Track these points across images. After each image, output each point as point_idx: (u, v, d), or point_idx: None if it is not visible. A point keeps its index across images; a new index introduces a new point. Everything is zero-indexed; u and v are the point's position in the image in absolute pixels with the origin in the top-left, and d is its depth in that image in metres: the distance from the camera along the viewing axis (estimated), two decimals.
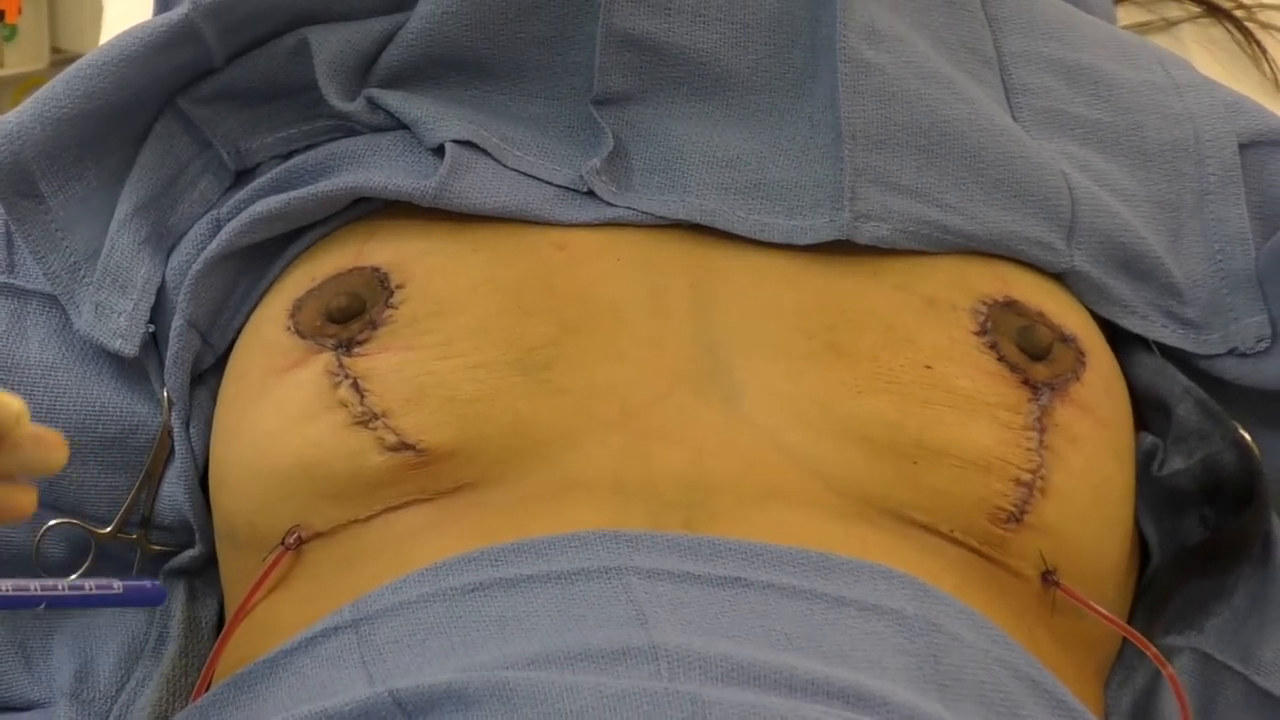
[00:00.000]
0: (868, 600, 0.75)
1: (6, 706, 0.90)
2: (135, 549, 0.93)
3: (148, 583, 0.80)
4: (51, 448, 0.75)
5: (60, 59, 2.59)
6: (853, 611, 0.75)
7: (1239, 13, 1.44)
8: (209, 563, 0.93)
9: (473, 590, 0.76)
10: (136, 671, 0.91)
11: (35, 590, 0.73)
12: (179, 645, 0.91)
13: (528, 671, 0.70)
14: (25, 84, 2.46)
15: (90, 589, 0.75)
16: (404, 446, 0.83)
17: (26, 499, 0.75)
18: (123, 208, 0.95)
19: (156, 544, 0.93)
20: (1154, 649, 0.86)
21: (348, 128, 0.98)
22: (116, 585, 0.76)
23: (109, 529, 0.92)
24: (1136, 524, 0.91)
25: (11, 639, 0.92)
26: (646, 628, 0.72)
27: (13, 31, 2.34)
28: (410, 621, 0.75)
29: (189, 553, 0.93)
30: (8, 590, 0.72)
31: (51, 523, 0.91)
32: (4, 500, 0.75)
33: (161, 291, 0.94)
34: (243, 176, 0.99)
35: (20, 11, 1.84)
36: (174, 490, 0.92)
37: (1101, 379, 0.90)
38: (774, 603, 0.75)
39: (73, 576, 0.78)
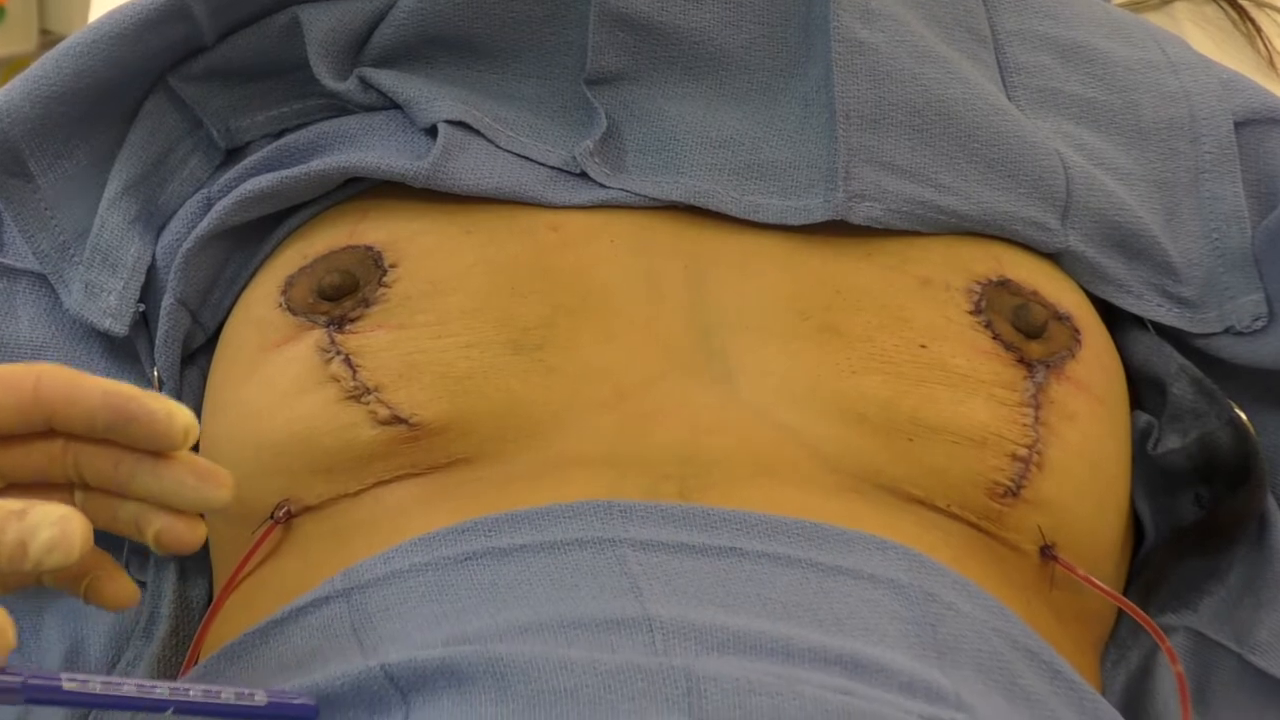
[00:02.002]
0: (863, 569, 0.75)
1: None
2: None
3: (298, 698, 0.71)
4: (212, 481, 0.73)
5: (48, 41, 2.59)
6: (848, 580, 0.75)
7: None
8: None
9: (465, 559, 0.75)
10: (127, 652, 0.90)
11: (163, 694, 0.66)
12: (169, 625, 0.91)
13: (520, 643, 0.70)
14: (13, 65, 2.46)
15: (228, 697, 0.68)
16: (396, 420, 0.83)
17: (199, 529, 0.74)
18: (112, 186, 0.95)
19: None
20: (1152, 622, 0.86)
21: (339, 107, 0.97)
22: (260, 696, 0.69)
23: None
24: (1131, 503, 0.91)
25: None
26: (640, 598, 0.71)
27: (1, 14, 2.34)
28: (402, 590, 0.75)
29: None
30: (132, 692, 0.66)
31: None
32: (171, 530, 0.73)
33: (151, 271, 0.93)
34: (233, 155, 0.98)
35: None
36: None
37: (1097, 357, 0.90)
38: (769, 572, 0.74)
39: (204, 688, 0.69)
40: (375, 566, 0.77)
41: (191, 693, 0.67)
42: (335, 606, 0.76)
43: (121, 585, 0.75)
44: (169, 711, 0.66)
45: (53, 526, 0.66)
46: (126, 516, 0.74)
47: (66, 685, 0.64)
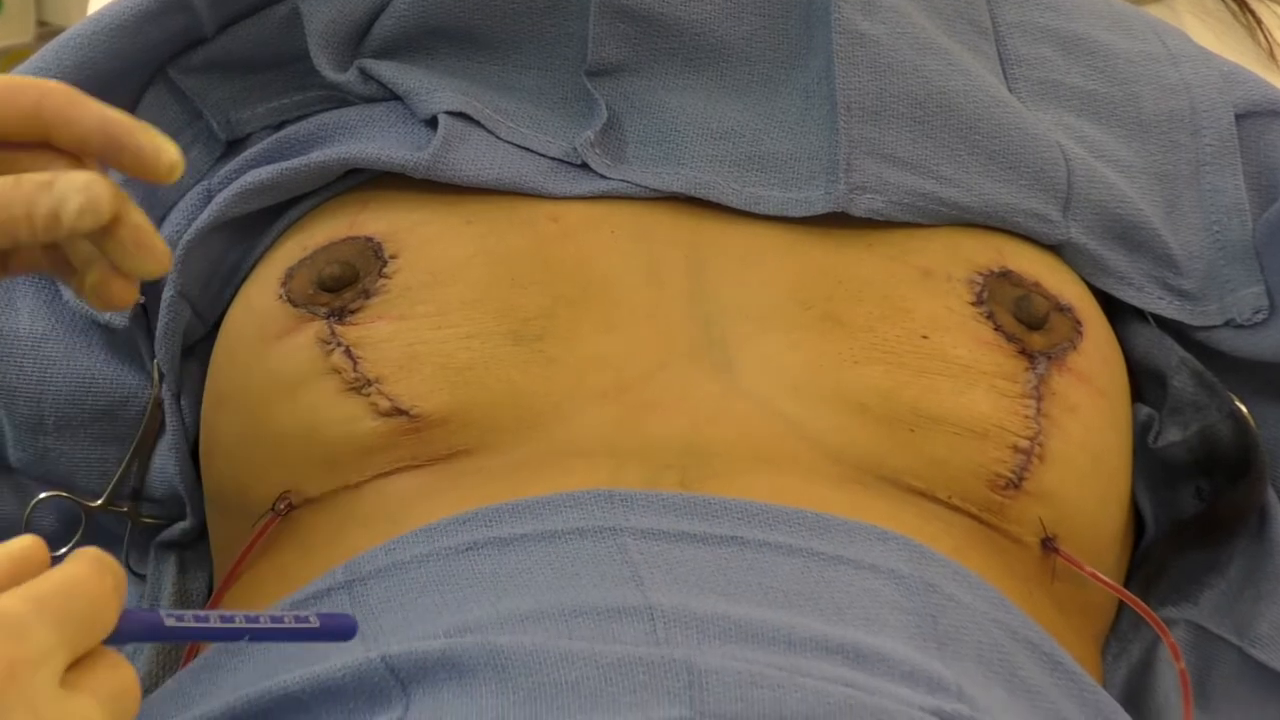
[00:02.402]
0: (865, 560, 0.75)
1: None
2: (126, 521, 0.93)
3: (343, 617, 0.73)
4: (149, 252, 0.73)
5: (46, 32, 2.59)
6: (849, 570, 0.75)
7: None
8: (200, 536, 0.93)
9: (467, 549, 0.75)
10: (127, 645, 0.91)
11: (240, 623, 0.69)
12: None
13: (521, 632, 0.69)
14: (11, 56, 2.46)
15: (289, 621, 0.71)
16: (397, 412, 0.83)
17: (129, 291, 0.74)
18: (112, 178, 0.94)
19: (147, 516, 0.93)
20: (1154, 615, 0.86)
21: (339, 98, 0.97)
22: (313, 619, 0.71)
23: (100, 501, 0.92)
24: (1132, 496, 0.91)
25: None
26: (642, 587, 0.71)
27: (0, 5, 2.34)
28: (403, 581, 0.75)
29: (180, 525, 0.93)
30: (214, 623, 0.68)
31: (41, 495, 0.91)
32: (105, 285, 0.74)
33: None
34: (233, 147, 0.98)
35: None
36: (165, 462, 0.92)
37: (1098, 349, 0.90)
38: (770, 561, 0.74)
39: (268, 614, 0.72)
40: (377, 558, 0.77)
41: (261, 620, 0.70)
42: (337, 598, 0.76)
43: (135, 269, 0.73)
44: (245, 639, 0.70)
45: (80, 193, 0.68)
46: (80, 253, 0.74)
47: (167, 622, 0.67)
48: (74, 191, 0.68)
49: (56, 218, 0.68)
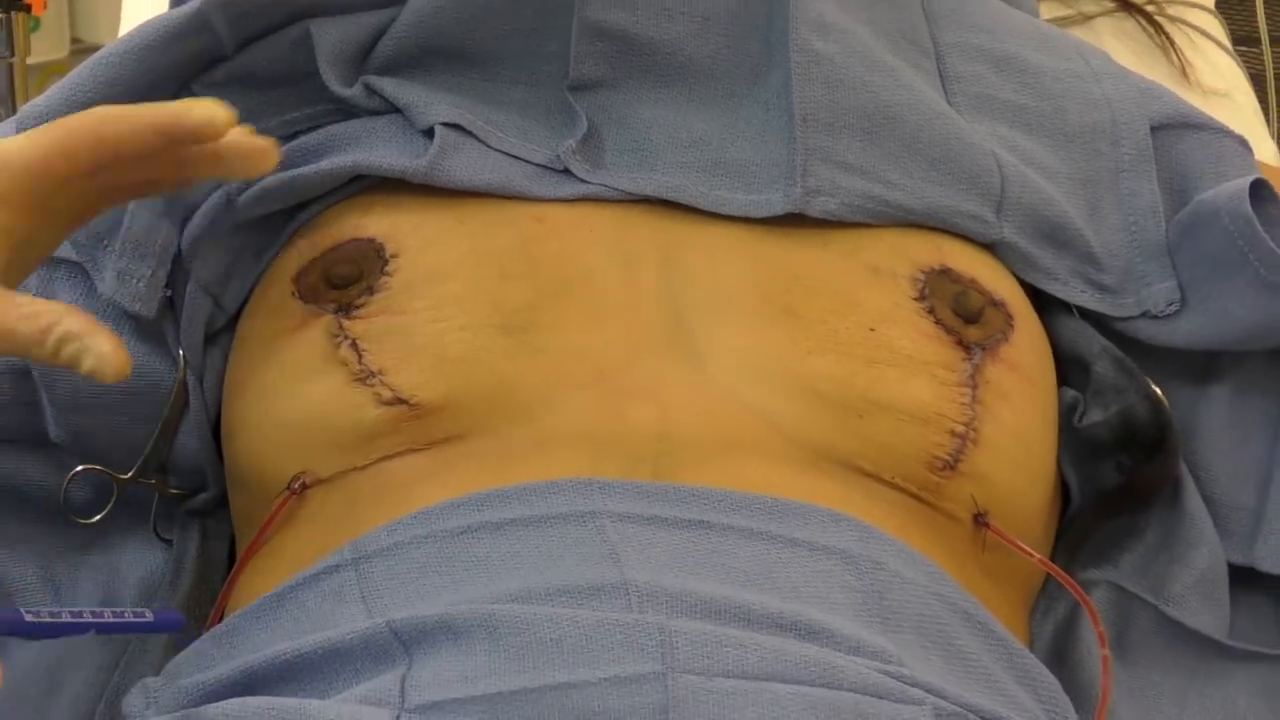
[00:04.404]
0: (818, 541, 0.76)
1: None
2: (154, 493, 0.93)
3: (171, 612, 0.83)
4: (257, 154, 0.83)
5: (79, 48, 2.59)
6: (804, 552, 0.75)
7: (1149, 7, 1.44)
8: (220, 504, 0.93)
9: (461, 532, 0.76)
10: (154, 603, 0.91)
11: (88, 618, 0.74)
12: (193, 579, 0.91)
13: (512, 605, 0.70)
14: (48, 70, 2.45)
15: (129, 616, 0.77)
16: (398, 401, 0.83)
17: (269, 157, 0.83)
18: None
19: (174, 488, 0.93)
20: (1074, 583, 0.86)
21: (346, 111, 0.97)
22: (148, 613, 0.78)
23: (130, 474, 0.92)
24: (1059, 470, 0.91)
25: (42, 573, 0.91)
26: (619, 566, 0.72)
27: (37, 23, 2.34)
28: (405, 560, 0.76)
29: (202, 495, 0.93)
30: (65, 618, 0.73)
31: (79, 468, 0.91)
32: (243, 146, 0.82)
33: (177, 259, 0.93)
34: None
35: (45, 6, 1.85)
36: (189, 440, 0.92)
37: (1028, 340, 0.90)
38: (733, 544, 0.75)
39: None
40: (380, 538, 0.77)
41: (105, 615, 0.75)
42: (345, 574, 0.77)
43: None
44: (92, 631, 0.75)
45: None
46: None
47: (26, 618, 0.71)
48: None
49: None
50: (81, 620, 0.73)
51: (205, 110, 0.80)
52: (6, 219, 0.80)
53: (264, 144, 0.84)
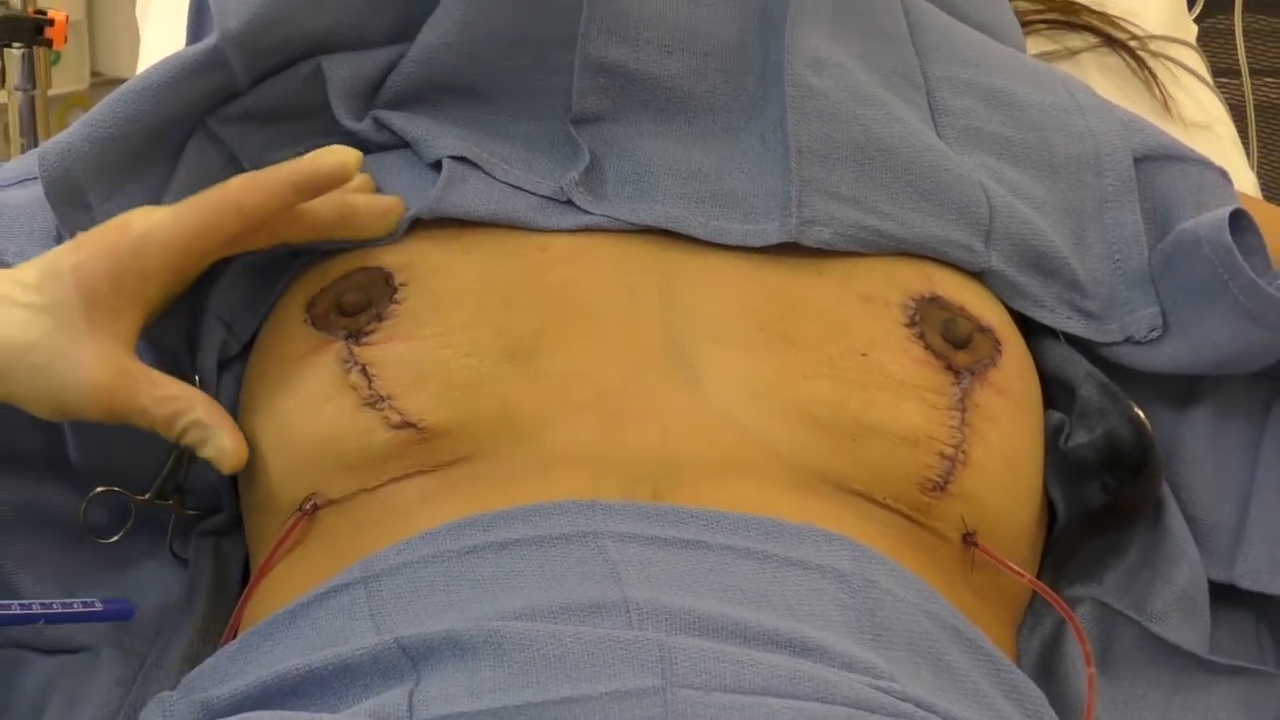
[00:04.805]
0: (812, 560, 0.76)
1: (59, 649, 0.90)
2: (170, 513, 0.93)
3: (121, 602, 0.87)
4: (390, 211, 0.91)
5: (98, 81, 2.60)
6: (799, 571, 0.76)
7: (1133, 43, 1.45)
8: (235, 525, 0.94)
9: (467, 552, 0.76)
10: (170, 620, 0.91)
11: (37, 609, 0.79)
12: (208, 597, 0.91)
13: (516, 623, 0.71)
14: (68, 101, 2.46)
15: (78, 606, 0.81)
16: (407, 425, 0.83)
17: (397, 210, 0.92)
18: None
19: (190, 509, 0.94)
20: (1060, 600, 0.87)
21: (357, 144, 0.97)
22: (97, 603, 0.82)
23: (148, 495, 0.92)
24: (1045, 490, 0.92)
25: (63, 591, 0.91)
26: (620, 584, 0.73)
27: (58, 57, 2.35)
28: (412, 580, 0.76)
29: (217, 516, 0.94)
30: (15, 610, 0.77)
31: (98, 490, 0.92)
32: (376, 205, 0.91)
33: (194, 287, 0.94)
34: None
35: (66, 40, 1.87)
36: (204, 462, 0.92)
37: (1015, 365, 0.91)
38: (730, 563, 0.75)
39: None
40: (389, 557, 0.78)
41: (55, 606, 0.79)
42: (354, 593, 0.77)
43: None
44: (41, 623, 0.79)
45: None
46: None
47: None
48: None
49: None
50: (30, 612, 0.75)
51: (336, 155, 0.88)
52: (153, 293, 0.86)
53: (392, 201, 0.90)
